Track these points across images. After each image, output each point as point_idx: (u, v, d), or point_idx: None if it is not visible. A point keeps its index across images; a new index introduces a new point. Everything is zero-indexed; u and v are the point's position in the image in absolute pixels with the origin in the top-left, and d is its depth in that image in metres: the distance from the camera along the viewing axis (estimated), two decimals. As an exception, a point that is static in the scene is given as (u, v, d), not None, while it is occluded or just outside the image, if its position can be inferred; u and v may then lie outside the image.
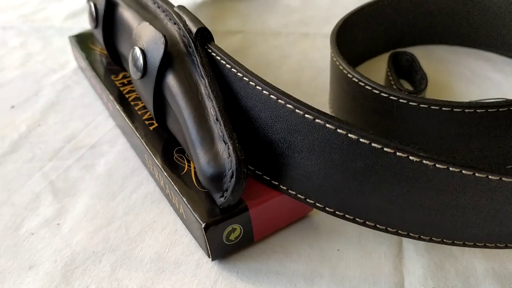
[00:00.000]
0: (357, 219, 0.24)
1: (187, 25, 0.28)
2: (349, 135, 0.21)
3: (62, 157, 0.34)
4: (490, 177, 0.20)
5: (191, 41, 0.27)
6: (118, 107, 0.33)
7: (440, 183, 0.21)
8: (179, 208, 0.27)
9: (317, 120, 0.22)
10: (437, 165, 0.20)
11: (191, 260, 0.26)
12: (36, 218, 0.29)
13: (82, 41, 0.42)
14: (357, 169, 0.22)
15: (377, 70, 0.40)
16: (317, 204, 0.24)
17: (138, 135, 0.30)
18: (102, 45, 0.37)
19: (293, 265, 0.25)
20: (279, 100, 0.23)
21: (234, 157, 0.23)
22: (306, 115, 0.22)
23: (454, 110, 0.26)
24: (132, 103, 0.33)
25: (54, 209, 0.30)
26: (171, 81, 0.27)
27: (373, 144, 0.21)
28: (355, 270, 0.25)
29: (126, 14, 0.33)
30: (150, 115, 0.32)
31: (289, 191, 0.25)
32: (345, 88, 0.32)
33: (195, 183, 0.26)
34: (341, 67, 0.31)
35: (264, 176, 0.25)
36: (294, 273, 0.25)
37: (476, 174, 0.20)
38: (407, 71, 0.37)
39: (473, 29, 0.41)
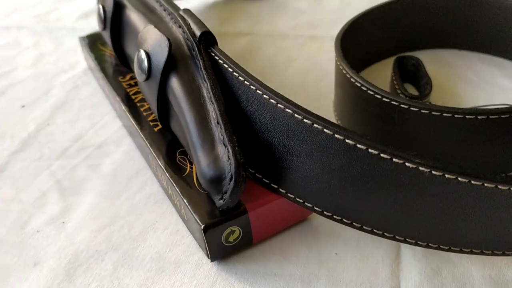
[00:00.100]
0: (354, 223, 0.24)
1: (191, 28, 0.28)
2: (347, 140, 0.21)
3: (69, 156, 0.34)
4: (486, 184, 0.20)
5: (194, 44, 0.28)
6: (124, 108, 0.34)
7: (435, 189, 0.21)
8: (181, 209, 0.27)
9: (315, 125, 0.22)
10: (433, 172, 0.21)
11: (191, 261, 0.26)
12: (42, 216, 0.30)
13: (92, 42, 0.43)
14: (354, 174, 0.22)
15: (383, 73, 0.40)
16: (315, 208, 0.24)
17: (142, 135, 0.31)
18: (110, 47, 0.37)
19: (291, 268, 0.25)
20: (279, 105, 0.23)
21: (233, 160, 0.23)
22: (305, 120, 0.23)
23: (455, 116, 0.26)
24: (138, 104, 0.34)
25: (60, 207, 0.30)
26: (175, 83, 0.27)
27: (369, 150, 0.21)
28: (352, 274, 0.25)
29: (133, 16, 0.33)
30: (155, 116, 0.32)
31: (288, 194, 0.25)
32: (348, 92, 0.32)
33: (196, 185, 0.27)
34: (344, 71, 0.31)
35: (264, 179, 0.26)
36: (291, 275, 0.25)
37: (472, 182, 0.20)
38: (413, 75, 0.37)
39: (482, 34, 0.41)
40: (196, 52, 0.27)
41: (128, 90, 0.36)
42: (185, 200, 0.26)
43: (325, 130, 0.22)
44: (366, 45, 0.40)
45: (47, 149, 0.35)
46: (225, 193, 0.24)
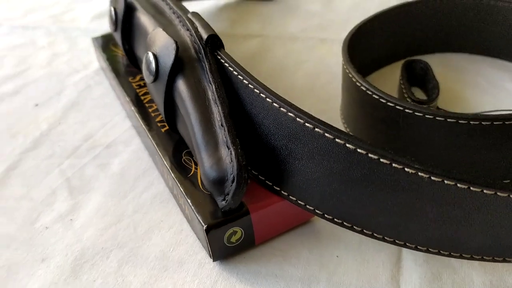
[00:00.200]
0: (354, 227, 0.24)
1: (198, 31, 0.29)
2: (347, 145, 0.22)
3: (79, 155, 0.35)
4: (485, 191, 0.20)
5: (201, 47, 0.28)
6: (133, 108, 0.34)
7: (435, 195, 0.21)
8: (185, 209, 0.28)
9: (316, 129, 0.22)
10: (432, 178, 0.21)
11: (194, 260, 0.27)
12: (51, 213, 0.30)
13: (104, 42, 0.43)
14: (354, 178, 0.22)
15: (392, 77, 0.40)
16: (317, 211, 0.25)
17: (150, 136, 0.31)
18: (121, 48, 0.38)
19: (292, 269, 0.26)
20: (281, 108, 0.24)
21: (235, 163, 0.24)
22: (306, 124, 0.23)
23: (459, 121, 0.26)
24: (147, 105, 0.34)
25: (69, 205, 0.31)
26: (181, 85, 0.28)
27: (369, 155, 0.21)
28: (352, 277, 0.25)
29: (143, 18, 0.34)
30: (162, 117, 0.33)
31: (290, 197, 0.25)
32: (354, 96, 0.32)
33: (200, 186, 0.27)
34: (350, 75, 0.32)
35: (267, 181, 0.26)
36: (292, 277, 0.25)
37: (471, 188, 0.20)
38: (421, 79, 0.37)
39: (493, 38, 0.41)
40: (203, 55, 0.28)
41: (137, 90, 0.36)
42: (189, 200, 0.26)
43: (326, 134, 0.22)
44: (375, 48, 0.40)
45: (58, 147, 0.36)
46: (227, 194, 0.24)
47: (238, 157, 0.24)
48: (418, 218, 0.22)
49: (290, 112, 0.23)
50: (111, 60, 0.41)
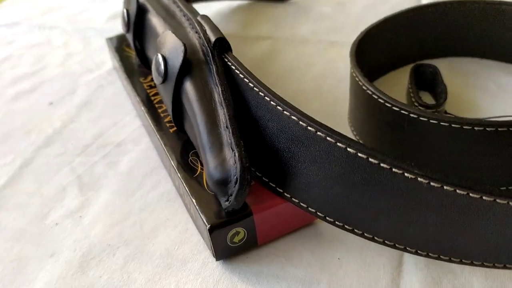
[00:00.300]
0: (355, 230, 0.24)
1: (207, 34, 0.29)
2: (348, 149, 0.22)
3: (90, 153, 0.36)
4: (484, 198, 0.20)
5: (209, 50, 0.28)
6: (143, 108, 0.35)
7: (434, 200, 0.21)
8: (190, 208, 0.28)
9: (318, 133, 0.23)
10: (431, 183, 0.21)
11: (197, 259, 0.27)
12: (61, 210, 0.31)
13: (118, 43, 0.44)
14: (355, 182, 0.23)
15: (401, 81, 0.40)
16: (318, 213, 0.25)
17: (158, 135, 0.32)
18: (133, 48, 0.39)
19: (293, 270, 0.26)
20: (285, 112, 0.24)
21: (239, 164, 0.24)
22: (309, 128, 0.23)
23: (464, 127, 0.26)
24: (157, 105, 0.35)
25: (78, 202, 0.32)
26: (188, 87, 0.28)
27: (370, 159, 0.22)
28: (352, 279, 0.25)
29: (154, 20, 0.34)
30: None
31: (293, 199, 0.26)
32: (361, 99, 0.32)
33: (206, 186, 0.28)
34: (357, 79, 0.32)
35: (270, 183, 0.27)
36: (293, 278, 0.26)
37: (470, 195, 0.21)
38: (430, 83, 0.37)
39: (504, 42, 0.40)
40: (210, 57, 0.28)
41: (148, 91, 0.37)
42: (193, 200, 0.27)
43: (327, 138, 0.22)
44: (385, 52, 0.40)
45: (70, 145, 0.37)
46: (231, 195, 0.25)
47: (242, 159, 0.24)
48: (418, 223, 0.22)
49: (293, 116, 0.24)
50: (124, 61, 0.41)
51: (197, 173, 0.29)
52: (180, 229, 0.29)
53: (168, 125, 0.33)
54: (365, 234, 0.24)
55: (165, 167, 0.33)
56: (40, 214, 0.31)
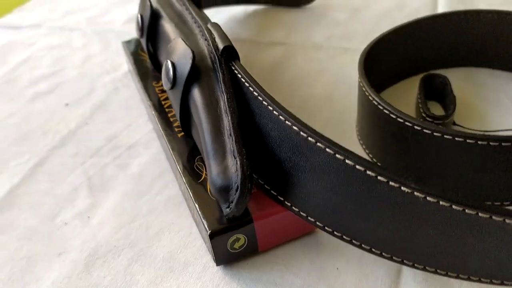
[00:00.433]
0: (353, 241, 0.24)
1: (215, 42, 0.30)
2: (346, 161, 0.22)
3: (102, 155, 0.37)
4: (480, 214, 0.20)
5: (216, 57, 0.29)
6: (153, 112, 0.36)
7: (430, 215, 0.21)
8: (194, 213, 0.29)
9: (318, 144, 0.23)
10: (427, 198, 0.21)
11: (199, 263, 0.28)
12: (71, 210, 0.32)
13: (134, 46, 0.45)
14: (353, 194, 0.23)
15: (412, 91, 0.39)
16: (317, 223, 0.25)
17: (166, 140, 0.33)
18: (146, 53, 0.40)
19: (292, 278, 0.26)
20: (287, 122, 0.24)
21: (240, 172, 0.24)
22: (309, 138, 0.23)
23: (467, 141, 0.26)
24: (167, 110, 0.36)
25: (88, 203, 0.33)
26: (196, 94, 0.29)
27: (367, 172, 0.22)
28: (350, 290, 0.25)
29: (167, 26, 0.35)
30: (179, 123, 0.34)
31: (293, 207, 0.26)
32: (367, 109, 0.32)
33: (209, 192, 0.28)
34: (364, 89, 0.32)
35: (272, 191, 0.27)
36: (291, 285, 0.26)
37: (466, 211, 0.21)
38: (440, 94, 0.37)
39: (519, 53, 0.40)
40: (218, 65, 0.29)
41: (160, 95, 0.38)
42: (196, 205, 0.27)
43: (327, 149, 0.23)
44: (396, 61, 0.40)
45: (83, 146, 0.38)
46: (232, 202, 0.25)
47: (243, 167, 0.25)
48: (415, 237, 0.22)
49: (295, 126, 0.24)
50: (138, 64, 0.42)
51: (202, 179, 0.29)
52: (184, 233, 0.30)
53: (177, 129, 0.34)
54: (363, 245, 0.24)
55: (173, 171, 0.34)
56: (51, 213, 0.32)
